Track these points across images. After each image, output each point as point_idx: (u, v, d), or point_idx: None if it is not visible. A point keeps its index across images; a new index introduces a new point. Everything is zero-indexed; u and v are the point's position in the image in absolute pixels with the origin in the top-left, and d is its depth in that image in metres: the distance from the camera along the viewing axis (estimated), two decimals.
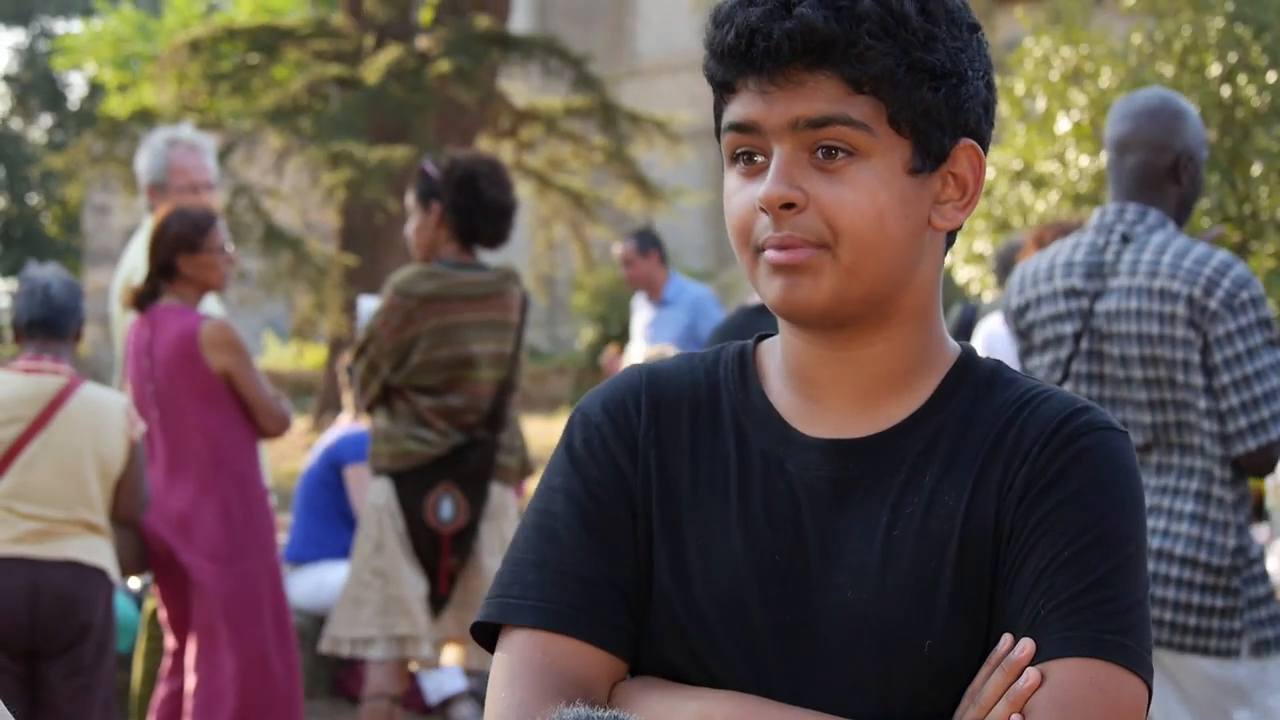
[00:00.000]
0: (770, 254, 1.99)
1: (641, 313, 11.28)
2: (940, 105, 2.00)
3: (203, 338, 6.38)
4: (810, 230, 1.97)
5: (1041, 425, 2.02)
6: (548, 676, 2.00)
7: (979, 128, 2.06)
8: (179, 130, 7.61)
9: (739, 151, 2.03)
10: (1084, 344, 4.78)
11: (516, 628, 2.05)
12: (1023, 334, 4.96)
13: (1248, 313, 4.58)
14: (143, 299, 6.48)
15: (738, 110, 2.01)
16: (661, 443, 2.11)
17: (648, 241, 11.17)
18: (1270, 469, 4.68)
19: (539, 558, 2.07)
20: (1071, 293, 4.80)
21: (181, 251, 6.44)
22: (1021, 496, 1.99)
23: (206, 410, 6.44)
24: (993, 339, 7.57)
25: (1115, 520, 1.98)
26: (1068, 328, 4.81)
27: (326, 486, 9.16)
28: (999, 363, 2.13)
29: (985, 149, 2.08)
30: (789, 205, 1.97)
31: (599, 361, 11.31)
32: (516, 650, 2.04)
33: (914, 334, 2.08)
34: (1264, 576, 4.71)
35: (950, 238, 2.11)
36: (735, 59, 1.99)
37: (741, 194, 2.03)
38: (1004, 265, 8.52)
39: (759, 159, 2.02)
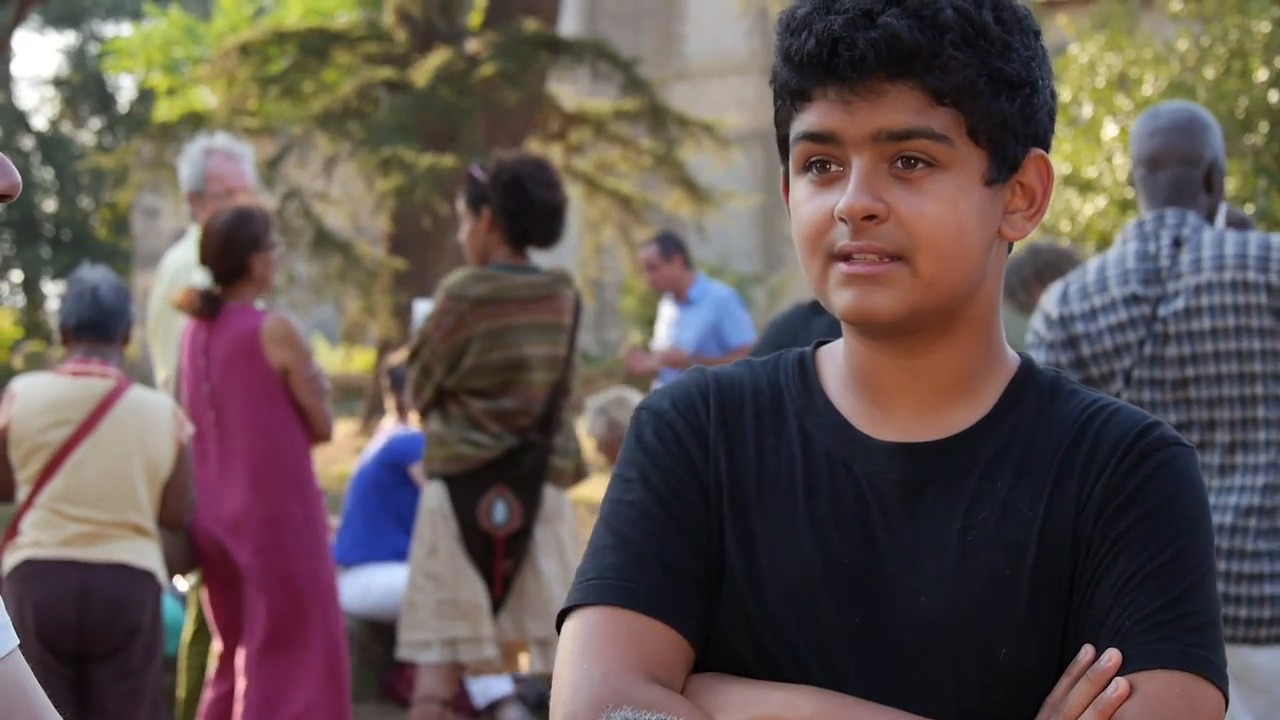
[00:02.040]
0: (844, 266, 1.98)
1: (666, 312, 11.30)
2: (1015, 116, 2.00)
3: (265, 332, 6.40)
4: (890, 240, 1.96)
5: (1116, 439, 2.02)
6: (629, 650, 1.99)
7: (1046, 137, 2.07)
8: (215, 139, 7.72)
9: (812, 160, 2.02)
10: (1147, 350, 4.79)
11: (594, 605, 2.04)
12: (1068, 344, 4.96)
13: None
14: (212, 304, 6.51)
15: (814, 120, 1.99)
16: (730, 441, 2.11)
17: (670, 245, 11.18)
18: None
19: (617, 542, 2.07)
20: (1133, 300, 4.81)
21: (254, 250, 6.47)
22: (1100, 511, 1.99)
23: (263, 408, 6.46)
24: None
25: (1192, 536, 2.00)
26: (1131, 335, 4.82)
27: (380, 488, 9.19)
28: (1057, 372, 2.14)
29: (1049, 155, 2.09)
30: (871, 216, 1.96)
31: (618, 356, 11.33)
32: (596, 625, 2.02)
33: (977, 342, 2.08)
34: None
35: (1009, 246, 2.11)
36: (815, 67, 1.97)
37: (813, 202, 2.01)
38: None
39: (834, 168, 2.00)
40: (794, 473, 2.08)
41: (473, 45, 18.09)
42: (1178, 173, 4.81)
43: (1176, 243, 4.78)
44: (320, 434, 6.58)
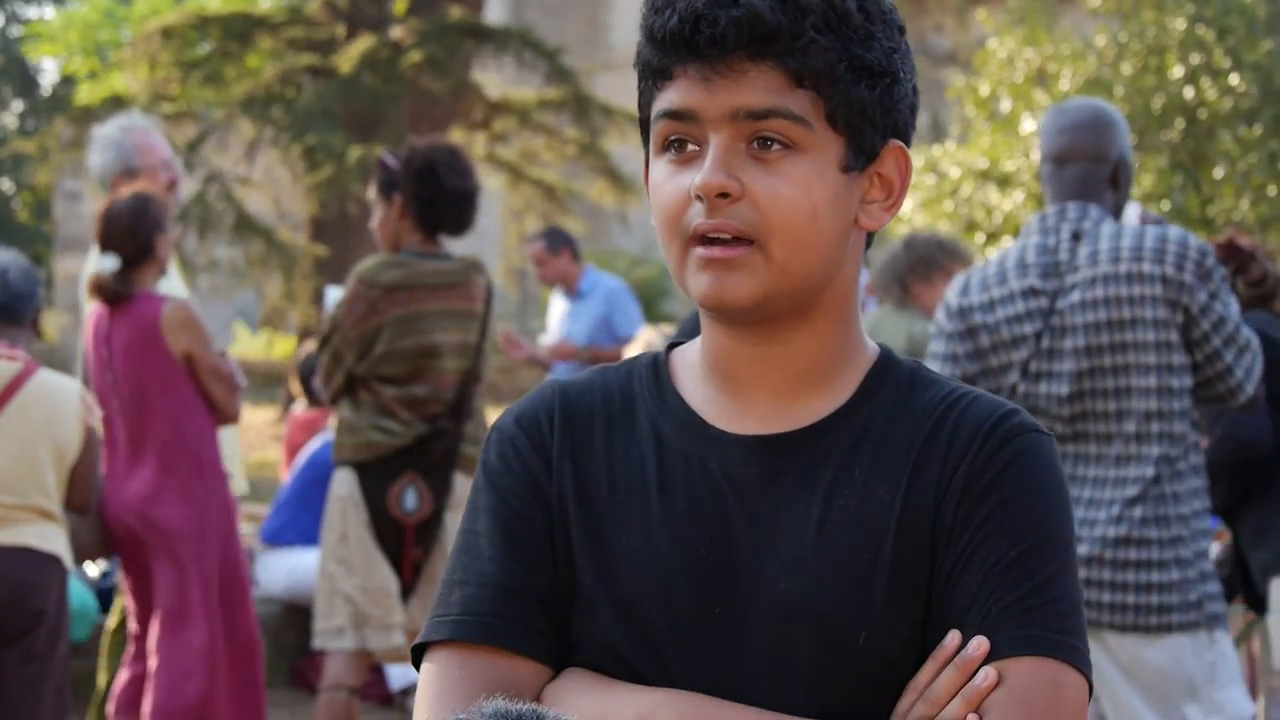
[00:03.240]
0: (700, 250, 1.99)
1: (557, 305, 11.31)
2: (875, 104, 2.01)
3: (164, 319, 6.38)
4: (743, 220, 1.97)
5: (975, 426, 2.04)
6: (466, 688, 2.00)
7: (906, 130, 2.08)
8: (128, 118, 7.65)
9: (671, 139, 2.02)
10: (1044, 343, 4.84)
11: (442, 644, 2.05)
12: (966, 335, 4.99)
13: (1214, 276, 4.76)
14: (121, 289, 6.47)
15: (674, 97, 2.00)
16: (576, 453, 2.11)
17: (557, 239, 11.20)
18: (1255, 406, 4.94)
19: (462, 575, 2.08)
20: (1031, 292, 4.86)
21: (158, 232, 6.45)
22: (960, 498, 2.00)
23: (166, 393, 6.44)
24: None
25: (1055, 523, 2.01)
26: (1028, 328, 4.87)
27: (324, 484, 9.14)
28: (917, 362, 2.15)
29: (909, 151, 2.10)
30: (725, 194, 1.96)
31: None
32: (436, 666, 2.05)
33: (835, 330, 2.09)
34: (1208, 551, 4.82)
35: (869, 238, 2.12)
36: (677, 45, 1.97)
37: (671, 182, 2.02)
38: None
39: (691, 147, 2.00)
40: (646, 473, 2.08)
41: (397, 32, 18.04)
42: (1084, 169, 4.88)
43: (1076, 236, 4.84)
44: (225, 416, 6.56)
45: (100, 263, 6.50)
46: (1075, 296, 4.79)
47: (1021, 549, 1.99)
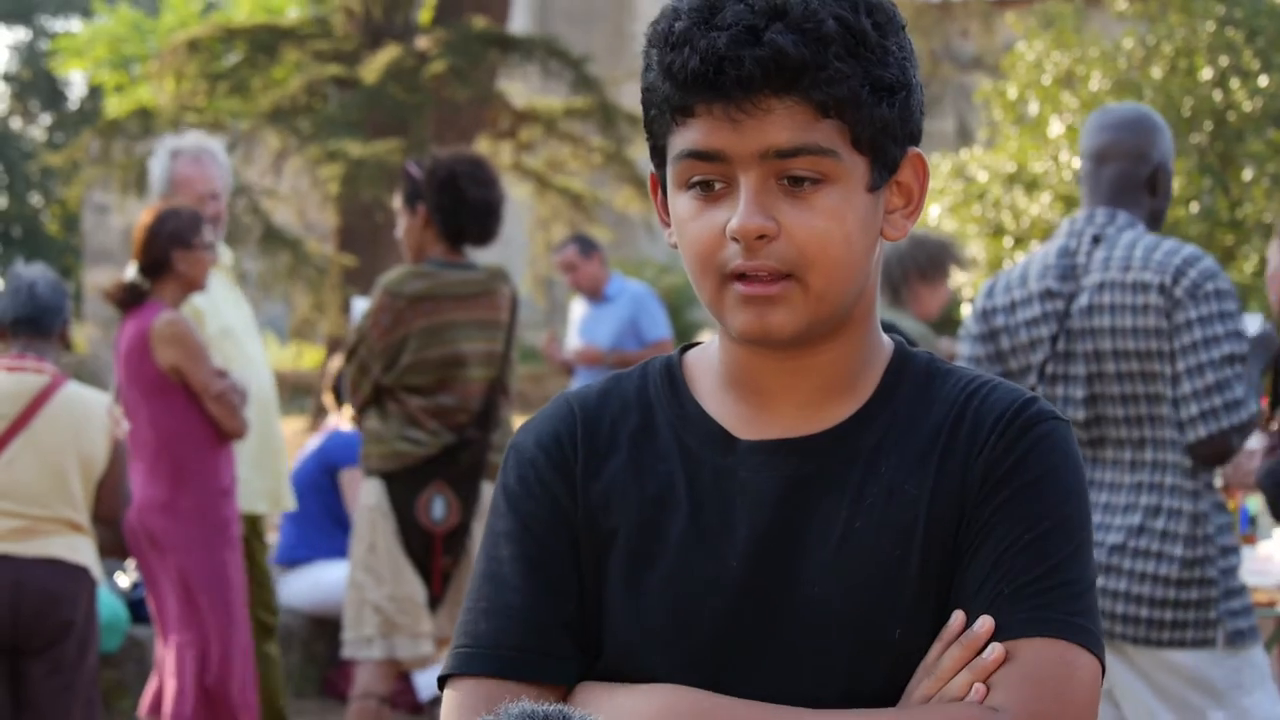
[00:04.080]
0: (740, 287, 1.98)
1: (576, 311, 11.31)
2: (894, 120, 2.00)
3: (154, 332, 6.40)
4: (781, 259, 1.96)
5: (997, 414, 2.04)
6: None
7: (919, 133, 2.07)
8: (183, 139, 7.60)
9: (696, 180, 2.00)
10: (1060, 345, 4.81)
11: (464, 676, 2.06)
12: (989, 337, 4.97)
13: (1210, 303, 4.63)
14: (130, 297, 6.50)
15: (698, 138, 1.97)
16: (599, 471, 2.10)
17: (589, 245, 11.21)
18: (1220, 459, 4.73)
19: (487, 605, 2.07)
20: (1047, 295, 4.84)
21: (177, 247, 6.47)
22: (981, 484, 2.02)
23: (155, 405, 6.47)
24: None
25: (1071, 507, 2.02)
26: (1044, 331, 4.84)
27: (318, 490, 9.13)
28: (930, 354, 2.15)
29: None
30: (763, 236, 1.96)
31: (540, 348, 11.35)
32: (463, 698, 2.05)
33: (860, 338, 2.09)
34: (1236, 569, 4.75)
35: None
36: (699, 85, 1.94)
37: (700, 220, 2.00)
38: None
39: (719, 185, 1.99)
40: (675, 490, 2.07)
41: (423, 42, 18.04)
42: (1122, 169, 4.82)
43: (1096, 240, 4.80)
44: (227, 433, 6.54)
45: (126, 272, 6.57)
46: (1084, 300, 4.76)
47: (1036, 532, 2.00)
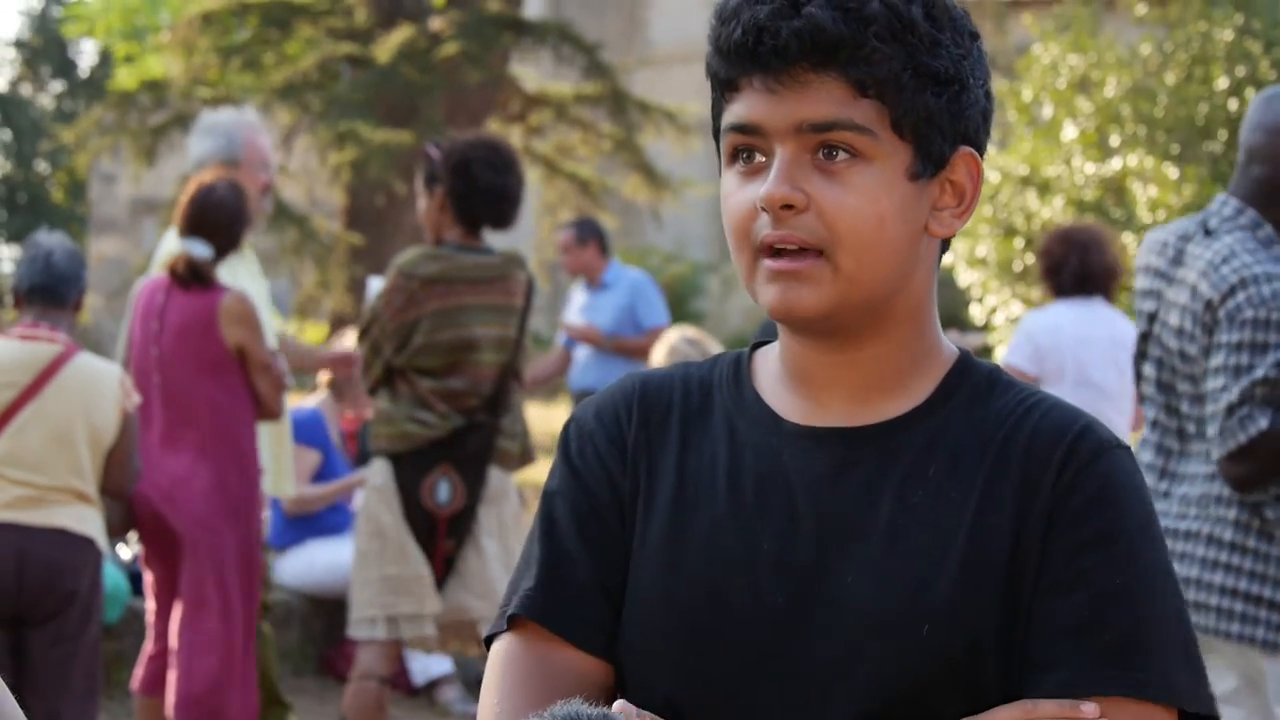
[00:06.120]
0: (769, 263, 2.00)
1: (576, 297, 11.31)
2: (942, 111, 2.01)
3: (223, 309, 6.42)
4: (810, 231, 1.98)
5: (1053, 437, 2.04)
6: (534, 676, 2.05)
7: (977, 136, 2.07)
8: (239, 111, 7.76)
9: (739, 150, 2.03)
10: (1155, 327, 4.74)
11: (508, 632, 2.10)
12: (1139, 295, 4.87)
13: (1244, 331, 4.45)
14: (207, 277, 6.51)
15: (740, 110, 2.01)
16: (651, 446, 2.14)
17: (587, 231, 11.22)
18: (1239, 484, 4.52)
19: (536, 565, 2.12)
20: (1153, 272, 4.73)
21: (249, 227, 6.55)
22: (1048, 521, 2.01)
23: (215, 382, 6.47)
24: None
25: (1145, 547, 2.03)
26: (1146, 306, 4.75)
27: None
28: (995, 366, 2.15)
29: (982, 158, 2.09)
30: (789, 206, 1.97)
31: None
32: (505, 650, 2.09)
33: (909, 336, 2.10)
34: None
35: (945, 243, 2.13)
36: (741, 56, 1.99)
37: (740, 193, 2.03)
38: None
39: (759, 158, 2.02)
40: (716, 467, 2.10)
41: (436, 24, 18.04)
42: (1266, 173, 4.62)
43: (1207, 232, 4.66)
44: (267, 412, 6.59)
45: (190, 246, 6.51)
46: (1170, 293, 4.67)
47: (1127, 577, 2.00)
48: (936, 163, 2.04)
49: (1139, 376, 4.83)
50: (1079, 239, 7.52)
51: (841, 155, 1.98)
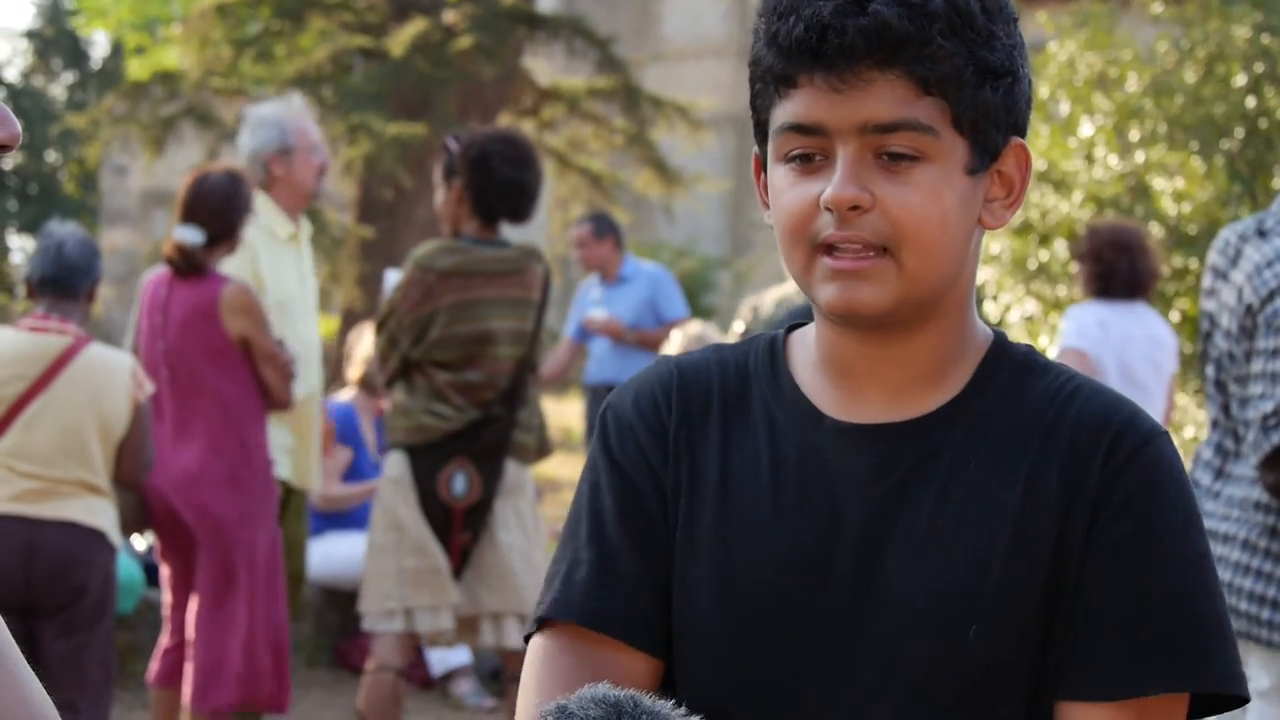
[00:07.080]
0: (829, 261, 1.98)
1: (592, 293, 11.29)
2: (999, 105, 2.00)
3: (224, 300, 6.40)
4: (875, 231, 1.96)
5: (1097, 427, 2.03)
6: (578, 673, 2.00)
7: (1024, 125, 2.06)
8: (285, 100, 7.88)
9: (794, 154, 2.00)
10: (1212, 327, 4.68)
11: (550, 628, 2.07)
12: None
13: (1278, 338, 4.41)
14: (200, 263, 6.48)
15: (800, 110, 1.98)
16: (692, 439, 2.11)
17: (604, 225, 11.22)
18: (1274, 491, 4.43)
19: (578, 557, 2.09)
20: (1214, 271, 4.66)
21: (246, 213, 6.52)
22: (1092, 514, 2.00)
23: (220, 374, 6.47)
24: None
25: (1191, 540, 2.01)
26: (1208, 305, 4.68)
27: None
28: (1030, 347, 2.13)
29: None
30: (856, 207, 1.95)
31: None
32: (549, 645, 2.07)
33: (954, 327, 2.08)
34: None
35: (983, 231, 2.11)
36: (802, 53, 1.95)
37: (796, 190, 2.00)
38: None
39: (818, 158, 1.99)
40: (759, 465, 2.07)
41: (449, 17, 18.03)
42: None
43: (1261, 234, 4.60)
44: (277, 403, 6.59)
45: (181, 233, 6.51)
46: (1223, 292, 4.61)
47: (1161, 581, 1.99)
48: (991, 156, 2.02)
49: (1202, 376, 4.79)
50: (1128, 243, 7.51)
51: (905, 159, 1.96)
